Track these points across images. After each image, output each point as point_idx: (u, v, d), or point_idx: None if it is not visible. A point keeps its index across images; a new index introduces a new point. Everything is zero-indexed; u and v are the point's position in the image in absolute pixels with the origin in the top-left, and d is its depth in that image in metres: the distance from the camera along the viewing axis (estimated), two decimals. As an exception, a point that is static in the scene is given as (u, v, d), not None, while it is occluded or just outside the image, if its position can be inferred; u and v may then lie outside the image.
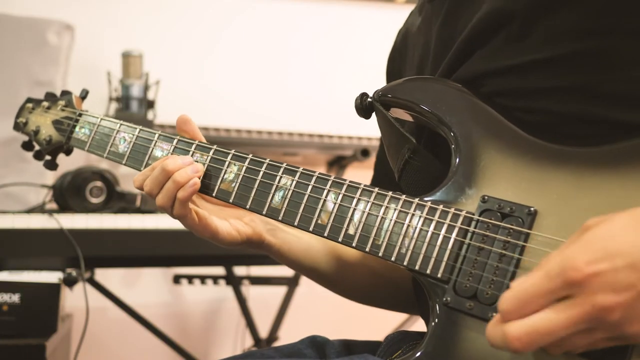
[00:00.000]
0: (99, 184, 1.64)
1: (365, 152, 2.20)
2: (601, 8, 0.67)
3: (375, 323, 1.92)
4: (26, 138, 1.06)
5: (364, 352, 0.84)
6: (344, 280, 0.97)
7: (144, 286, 2.45)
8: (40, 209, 1.67)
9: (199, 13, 2.53)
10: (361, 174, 2.45)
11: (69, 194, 1.62)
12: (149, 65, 2.21)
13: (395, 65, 0.99)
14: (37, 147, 1.05)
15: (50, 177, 2.03)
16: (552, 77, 0.70)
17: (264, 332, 2.27)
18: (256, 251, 0.94)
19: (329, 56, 2.65)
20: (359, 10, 2.68)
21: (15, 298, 1.37)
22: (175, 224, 1.61)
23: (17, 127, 1.06)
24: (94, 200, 1.64)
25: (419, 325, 0.94)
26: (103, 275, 2.09)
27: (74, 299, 1.72)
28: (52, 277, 1.42)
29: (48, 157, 1.04)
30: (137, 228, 1.56)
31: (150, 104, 2.16)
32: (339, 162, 2.40)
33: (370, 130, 2.29)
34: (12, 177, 1.95)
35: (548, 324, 0.53)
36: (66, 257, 1.50)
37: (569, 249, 0.54)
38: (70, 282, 1.46)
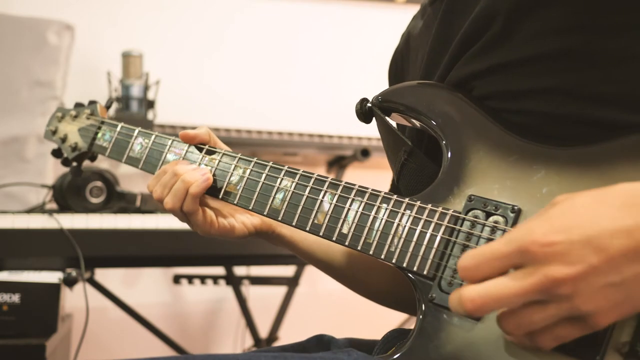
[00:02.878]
0: (99, 184, 1.64)
1: (365, 152, 2.20)
2: (583, 6, 0.68)
3: (376, 323, 1.91)
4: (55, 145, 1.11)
5: (367, 350, 0.85)
6: (361, 277, 0.98)
7: (144, 286, 2.45)
8: (40, 209, 1.67)
9: (199, 13, 2.53)
10: (361, 173, 2.45)
11: (69, 194, 1.62)
12: (149, 65, 2.21)
13: (398, 67, 1.01)
14: (65, 154, 1.10)
15: (50, 177, 2.04)
16: (535, 76, 0.71)
17: (264, 332, 2.27)
18: (265, 241, 0.98)
19: (329, 56, 2.65)
20: (359, 10, 2.68)
21: (15, 298, 1.37)
22: (175, 224, 1.63)
23: (47, 135, 1.11)
24: (94, 200, 1.64)
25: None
26: (103, 275, 2.09)
27: (74, 299, 1.73)
28: (52, 277, 1.42)
29: (74, 164, 1.09)
30: (137, 228, 1.56)
31: (150, 104, 2.16)
32: (339, 162, 2.40)
33: (370, 130, 2.29)
34: (12, 177, 1.96)
35: (501, 288, 0.55)
36: (66, 257, 1.50)
37: (532, 222, 0.56)
38: (70, 282, 1.46)
